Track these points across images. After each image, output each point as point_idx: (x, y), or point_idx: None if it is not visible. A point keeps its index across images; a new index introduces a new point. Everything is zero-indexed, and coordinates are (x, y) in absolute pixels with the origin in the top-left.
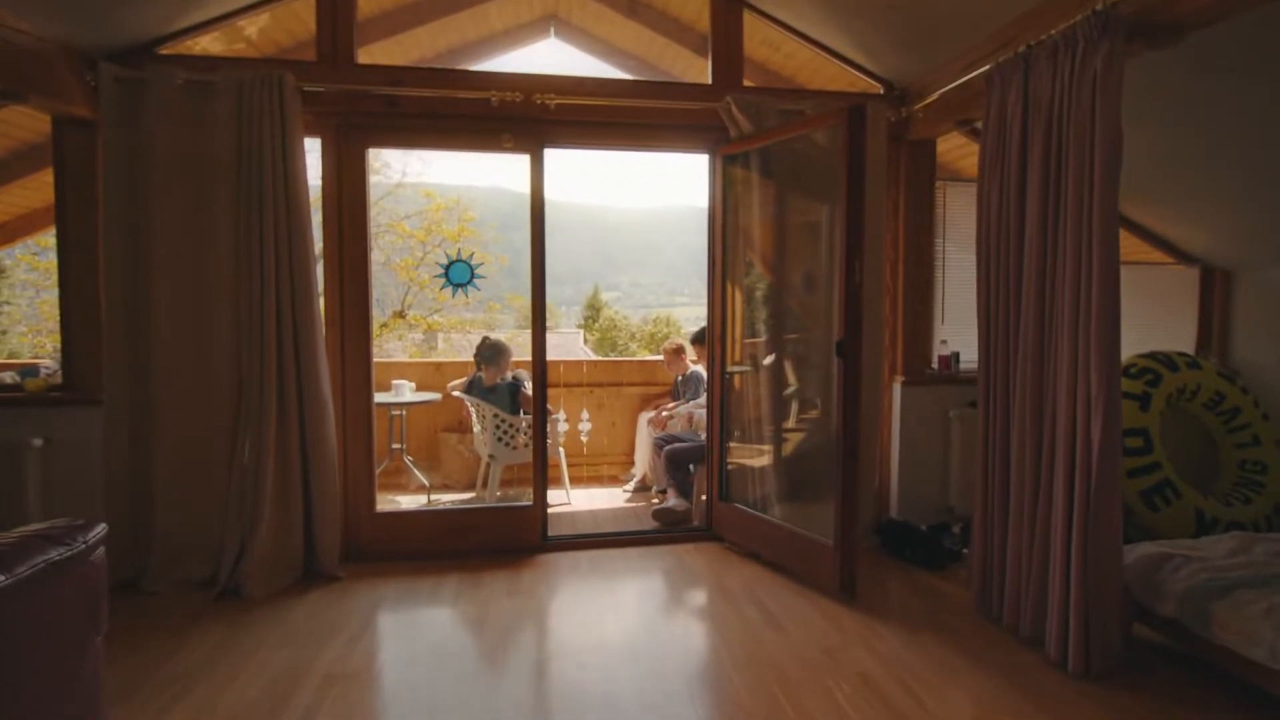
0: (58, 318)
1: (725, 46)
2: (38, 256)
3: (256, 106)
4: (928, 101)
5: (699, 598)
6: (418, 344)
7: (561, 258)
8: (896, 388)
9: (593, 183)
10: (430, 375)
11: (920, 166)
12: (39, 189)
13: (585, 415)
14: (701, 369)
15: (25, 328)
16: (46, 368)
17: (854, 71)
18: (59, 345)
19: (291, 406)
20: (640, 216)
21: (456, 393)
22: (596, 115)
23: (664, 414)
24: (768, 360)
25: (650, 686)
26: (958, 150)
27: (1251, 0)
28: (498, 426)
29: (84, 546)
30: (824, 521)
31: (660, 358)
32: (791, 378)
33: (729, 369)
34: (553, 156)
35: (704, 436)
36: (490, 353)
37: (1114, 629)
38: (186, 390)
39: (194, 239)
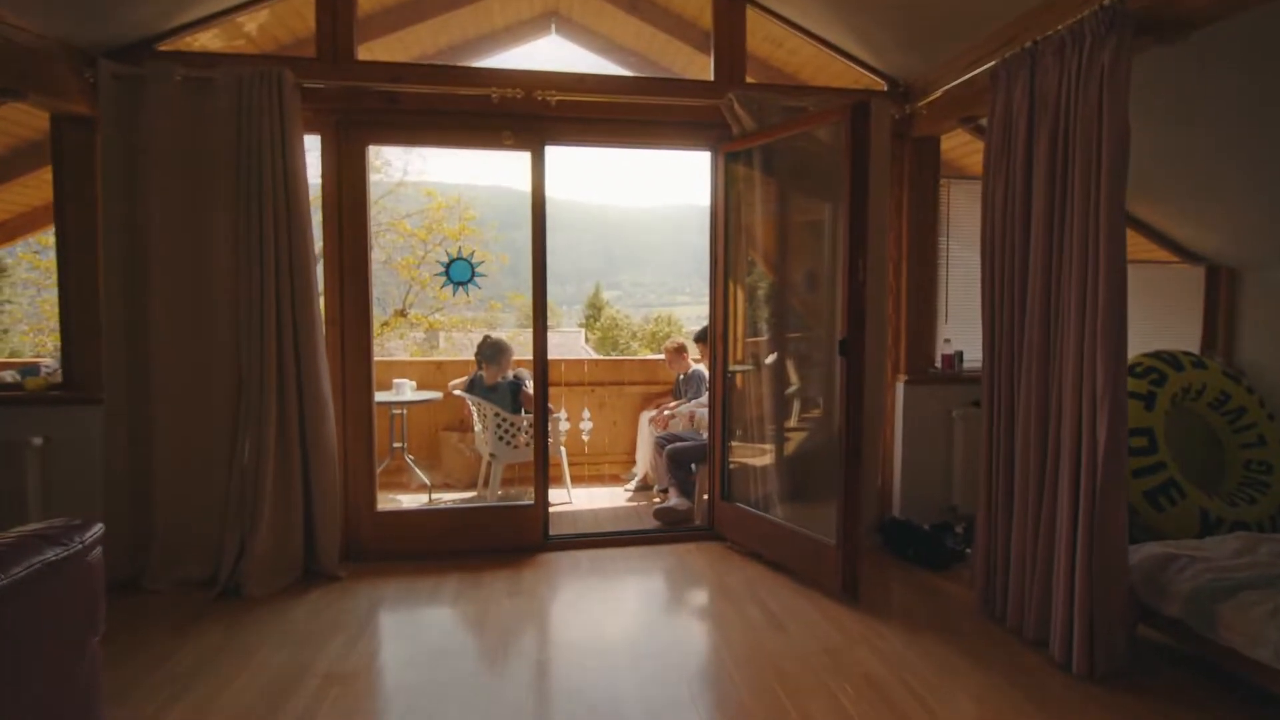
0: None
1: (728, 43)
2: (39, 255)
3: (256, 103)
4: (932, 98)
5: (700, 597)
6: (419, 343)
7: (563, 256)
8: (899, 387)
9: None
10: (431, 374)
11: (924, 164)
12: (39, 187)
13: (586, 414)
14: (703, 368)
15: (27, 326)
16: (47, 367)
17: (857, 68)
18: (60, 344)
19: (291, 405)
20: (642, 215)
21: (457, 391)
22: (598, 112)
23: (665, 413)
24: (769, 359)
25: (652, 687)
26: (962, 148)
27: None
28: (499, 425)
29: (81, 546)
30: (826, 521)
31: (662, 357)
32: (793, 377)
33: (731, 368)
34: (554, 154)
35: (705, 435)
36: (491, 351)
37: (1119, 630)
38: (186, 389)
39: (193, 237)
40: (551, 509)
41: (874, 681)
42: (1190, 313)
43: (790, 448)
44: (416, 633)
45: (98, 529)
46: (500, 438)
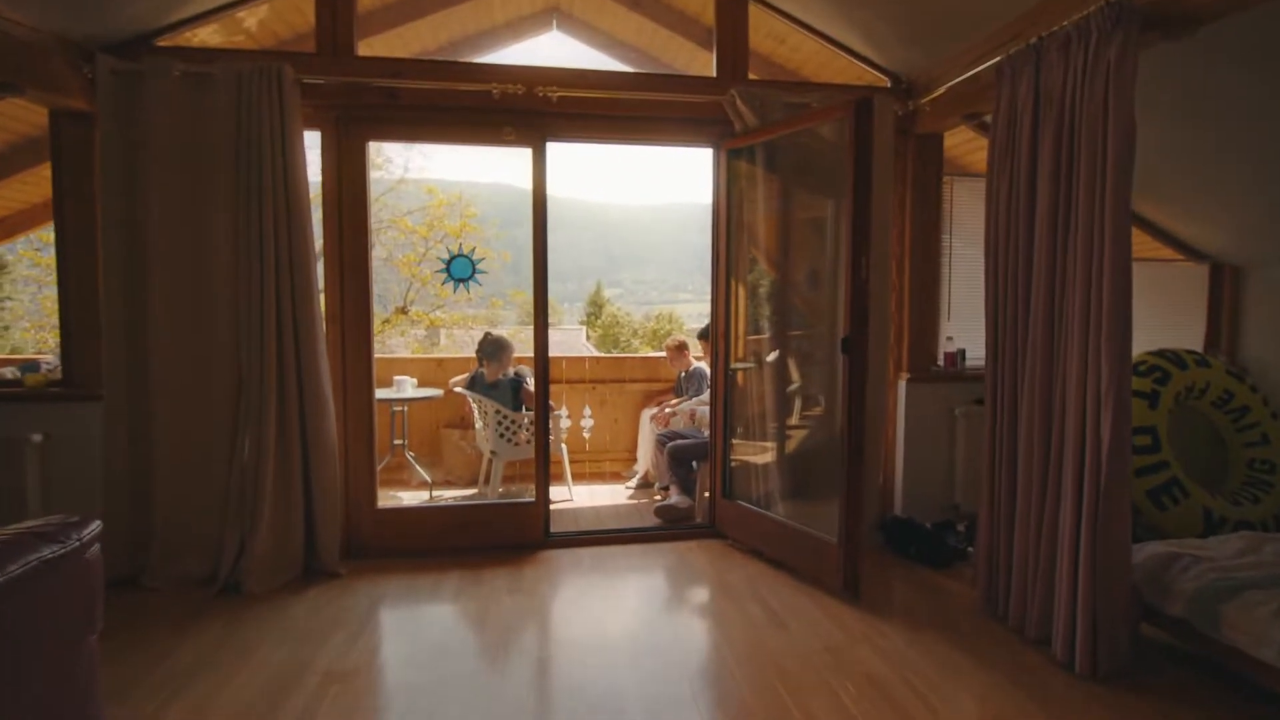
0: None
1: (730, 38)
2: (40, 252)
3: (255, 98)
4: (935, 95)
5: (701, 595)
6: (420, 340)
7: (564, 254)
8: (902, 385)
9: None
10: (432, 371)
11: (927, 161)
12: (38, 183)
13: (588, 412)
14: (704, 365)
15: (28, 323)
16: (47, 363)
17: (860, 64)
18: (60, 340)
19: (292, 402)
20: (643, 213)
21: (459, 389)
22: (599, 108)
23: (667, 410)
24: (771, 357)
25: (653, 685)
26: (965, 145)
27: None
28: (500, 423)
29: (78, 544)
30: (828, 519)
31: (663, 354)
32: (795, 374)
33: (732, 365)
34: (555, 151)
35: (707, 433)
36: (492, 349)
37: (1122, 629)
38: (186, 386)
39: (193, 233)
40: (552, 506)
41: (875, 680)
42: (1194, 311)
43: (792, 445)
44: (417, 630)
45: (95, 526)
46: (501, 435)
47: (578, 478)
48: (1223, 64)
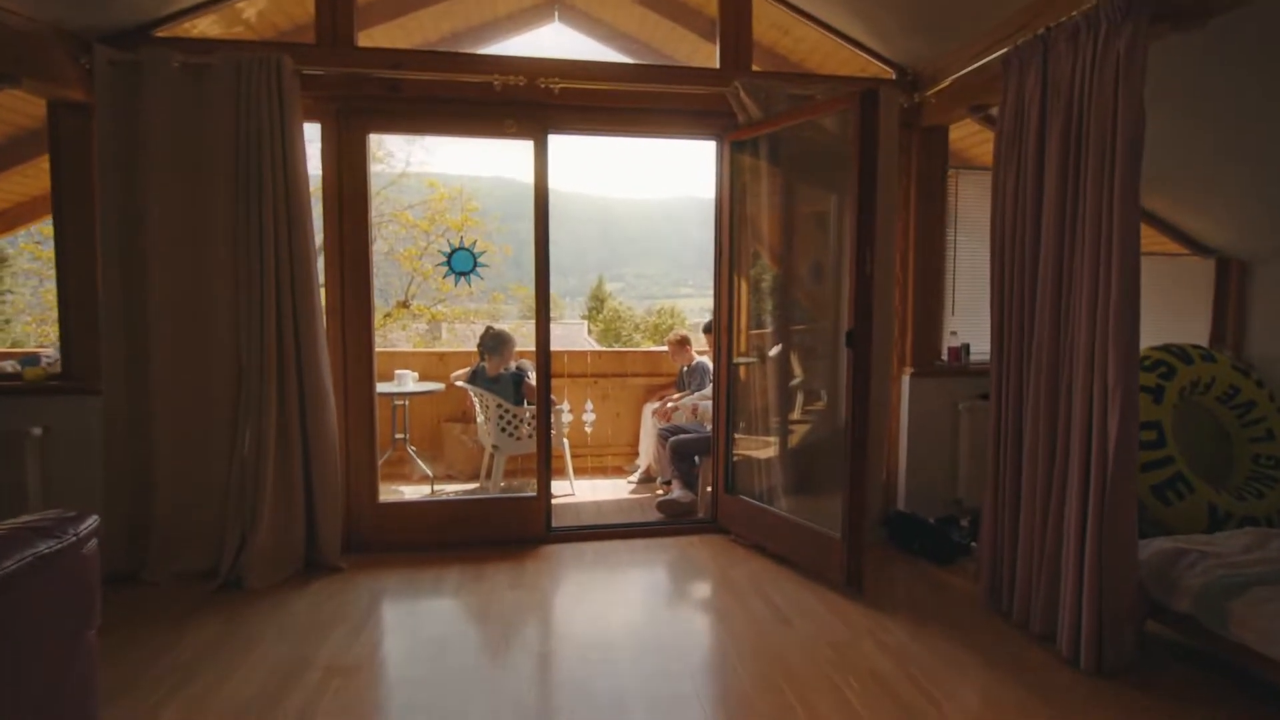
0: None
1: (733, 30)
2: (41, 246)
3: (254, 89)
4: (941, 87)
5: (704, 591)
6: (421, 334)
7: (566, 249)
8: (905, 379)
9: (597, 173)
10: (434, 365)
11: (932, 154)
12: (38, 176)
13: (589, 406)
14: (707, 360)
15: (30, 317)
16: (47, 357)
17: (865, 56)
18: (59, 333)
19: (292, 397)
20: (645, 207)
21: (460, 383)
22: (601, 100)
23: (669, 405)
24: (774, 351)
25: (655, 681)
26: (970, 138)
27: None
28: (501, 417)
29: (75, 539)
30: (831, 514)
31: (665, 349)
32: (798, 369)
33: (735, 360)
34: (557, 144)
35: (709, 428)
36: (494, 343)
37: (1127, 625)
38: (186, 380)
39: (192, 225)
40: (554, 501)
41: (879, 675)
42: (1200, 305)
43: (794, 440)
44: (418, 625)
45: (92, 521)
46: (503, 429)
47: (579, 472)
48: (1222, 61)
